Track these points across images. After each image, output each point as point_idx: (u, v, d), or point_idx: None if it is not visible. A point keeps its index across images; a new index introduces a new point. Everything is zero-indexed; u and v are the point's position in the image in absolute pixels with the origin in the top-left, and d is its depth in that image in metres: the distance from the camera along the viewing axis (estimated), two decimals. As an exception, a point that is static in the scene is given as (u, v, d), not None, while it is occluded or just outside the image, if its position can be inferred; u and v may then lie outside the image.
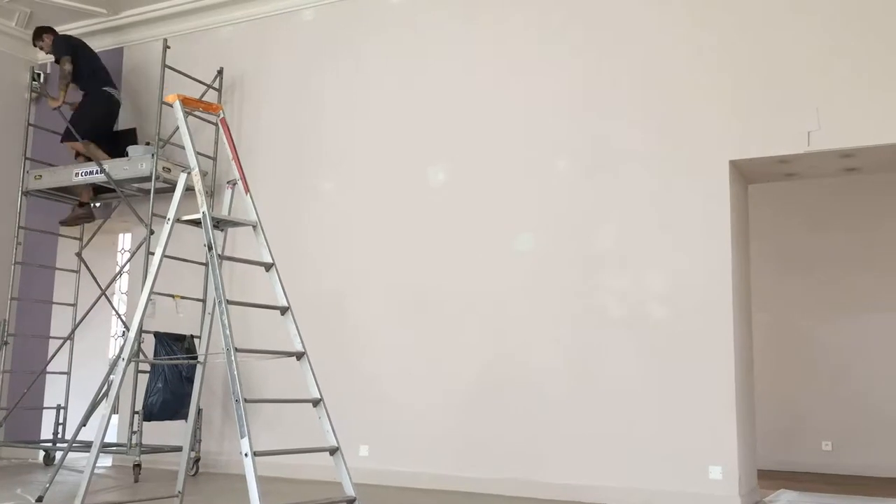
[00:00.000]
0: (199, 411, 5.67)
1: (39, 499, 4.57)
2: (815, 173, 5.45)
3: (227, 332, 3.64)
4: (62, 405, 6.71)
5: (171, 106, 4.22)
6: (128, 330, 6.19)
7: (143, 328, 5.28)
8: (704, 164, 4.96)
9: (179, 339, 5.93)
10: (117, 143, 6.53)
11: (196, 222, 4.00)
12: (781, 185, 6.31)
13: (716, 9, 5.08)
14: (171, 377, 5.76)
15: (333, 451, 3.88)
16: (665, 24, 5.20)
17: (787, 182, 5.83)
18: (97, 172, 6.27)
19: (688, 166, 5.00)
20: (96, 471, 5.03)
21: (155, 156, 6.01)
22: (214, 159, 6.46)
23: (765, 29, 4.93)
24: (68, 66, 6.39)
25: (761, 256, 6.85)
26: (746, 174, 5.30)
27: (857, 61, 4.69)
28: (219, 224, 4.12)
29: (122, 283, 8.16)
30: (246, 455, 3.40)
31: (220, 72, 6.57)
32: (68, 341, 6.73)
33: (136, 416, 5.68)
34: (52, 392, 6.90)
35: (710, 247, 4.88)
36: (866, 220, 7.07)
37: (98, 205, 7.00)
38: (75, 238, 6.94)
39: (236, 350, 3.61)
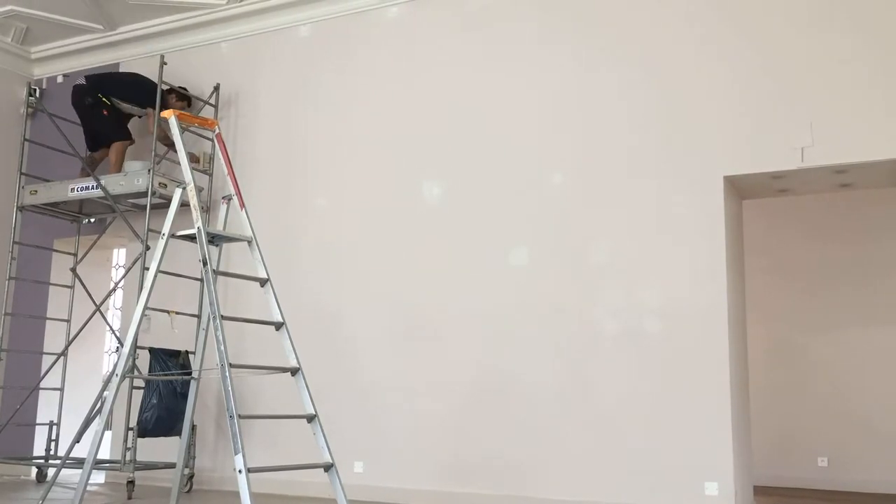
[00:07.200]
0: (193, 427, 5.66)
1: (32, 516, 4.55)
2: (809, 189, 5.47)
3: (222, 347, 3.63)
4: (55, 421, 6.67)
5: (167, 121, 4.24)
6: (122, 345, 6.19)
7: (138, 344, 5.25)
8: (699, 180, 4.97)
9: (174, 354, 5.91)
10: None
11: (191, 237, 4.01)
12: (776, 199, 6.33)
13: (711, 27, 5.11)
14: (165, 393, 5.73)
15: (328, 468, 3.87)
16: (660, 41, 5.23)
17: (782, 197, 5.85)
18: (94, 188, 6.26)
19: (682, 182, 5.02)
20: (89, 487, 4.99)
21: (151, 171, 6.02)
22: (210, 175, 6.46)
23: (759, 45, 4.96)
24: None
25: (756, 271, 6.86)
26: (740, 189, 5.32)
27: (851, 77, 4.72)
28: (214, 239, 4.13)
29: (117, 298, 8.14)
30: (240, 472, 3.39)
31: (216, 88, 6.59)
32: (62, 357, 6.70)
33: (130, 432, 5.66)
34: (46, 408, 6.87)
35: (704, 262, 4.88)
36: (861, 235, 7.08)
37: (93, 220, 6.99)
38: (70, 253, 6.93)
39: (231, 366, 3.61)
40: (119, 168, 6.43)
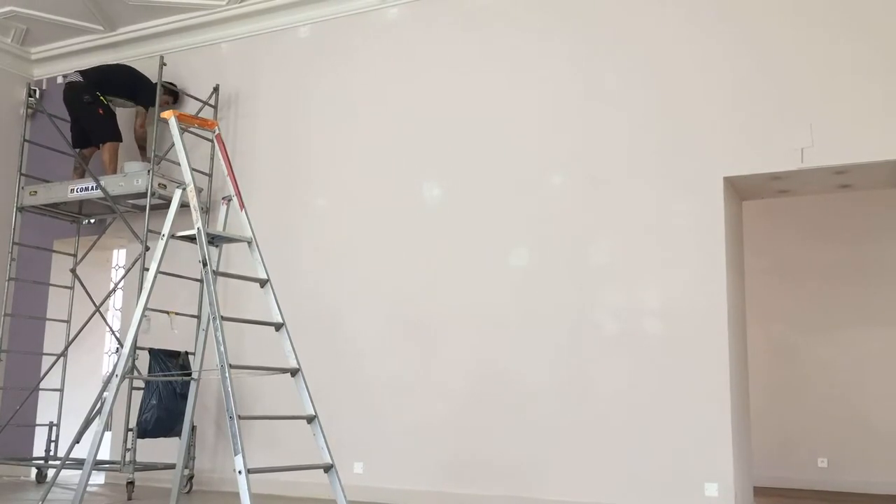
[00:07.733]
0: (192, 428, 5.66)
1: (31, 517, 4.54)
2: (809, 190, 5.47)
3: (222, 348, 3.64)
4: (55, 422, 6.67)
5: (166, 122, 4.24)
6: (122, 346, 6.19)
7: (138, 344, 5.26)
8: (699, 180, 4.97)
9: (174, 355, 5.90)
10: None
11: (191, 238, 4.01)
12: (776, 199, 6.33)
13: (710, 28, 5.11)
14: (165, 394, 5.73)
15: (328, 469, 3.87)
16: (660, 42, 5.23)
17: (782, 197, 5.85)
18: (93, 188, 6.26)
19: (682, 182, 5.02)
20: (89, 488, 4.99)
21: (151, 172, 6.01)
22: (210, 176, 6.46)
23: (759, 47, 4.96)
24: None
25: (756, 271, 6.86)
26: (740, 190, 5.32)
27: (850, 78, 4.72)
28: (214, 240, 4.14)
29: (117, 299, 8.13)
30: (240, 472, 3.39)
31: (215, 88, 6.58)
32: (62, 358, 6.70)
33: (130, 432, 5.65)
34: (45, 409, 6.86)
35: (704, 262, 4.88)
36: (861, 235, 7.09)
37: (93, 221, 6.99)
38: (70, 254, 6.93)
39: (230, 366, 3.61)
40: (113, 169, 6.43)
